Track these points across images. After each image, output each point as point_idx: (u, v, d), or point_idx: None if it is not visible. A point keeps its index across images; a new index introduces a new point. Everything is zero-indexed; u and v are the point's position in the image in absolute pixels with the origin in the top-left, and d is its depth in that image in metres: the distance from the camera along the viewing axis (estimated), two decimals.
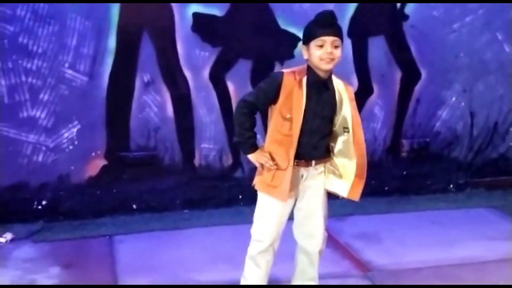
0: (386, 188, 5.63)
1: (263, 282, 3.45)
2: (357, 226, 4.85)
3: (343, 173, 3.31)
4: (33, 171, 5.08)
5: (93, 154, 5.20)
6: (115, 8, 4.99)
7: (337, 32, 3.15)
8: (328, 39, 3.11)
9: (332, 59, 3.12)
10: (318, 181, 3.33)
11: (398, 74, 5.66)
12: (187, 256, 4.32)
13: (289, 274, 3.58)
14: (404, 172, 5.74)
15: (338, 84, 3.27)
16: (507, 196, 5.61)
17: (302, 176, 3.29)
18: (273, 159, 3.21)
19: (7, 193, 5.03)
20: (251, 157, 3.26)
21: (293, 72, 3.21)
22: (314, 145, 3.24)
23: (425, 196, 5.62)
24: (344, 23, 5.40)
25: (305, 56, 3.22)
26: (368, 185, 5.38)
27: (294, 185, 3.26)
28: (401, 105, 5.72)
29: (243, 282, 3.46)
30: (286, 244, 3.44)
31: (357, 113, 3.26)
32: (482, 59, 5.78)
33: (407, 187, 5.68)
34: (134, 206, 5.22)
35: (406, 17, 5.55)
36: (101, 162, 5.23)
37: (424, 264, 4.15)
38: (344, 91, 3.25)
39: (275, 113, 3.22)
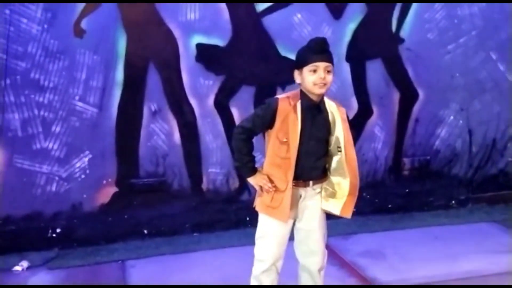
0: (389, 206, 5.61)
1: None
2: (362, 244, 4.83)
3: (338, 192, 3.28)
4: (47, 201, 5.07)
5: (104, 182, 5.19)
6: (122, 42, 5.01)
7: (329, 58, 3.17)
8: (321, 65, 3.12)
9: (325, 84, 3.14)
10: (316, 201, 3.31)
11: (396, 95, 5.66)
12: (197, 279, 4.29)
13: None
14: (407, 190, 5.72)
15: (331, 106, 3.27)
16: (508, 211, 5.58)
17: (301, 196, 3.28)
18: (271, 181, 3.21)
19: (23, 222, 5.02)
20: (251, 180, 3.28)
21: (288, 98, 3.21)
22: (311, 166, 3.24)
23: (427, 213, 5.59)
24: (342, 48, 5.44)
25: (298, 81, 3.23)
26: (371, 204, 5.53)
27: (293, 205, 3.25)
28: (400, 125, 5.71)
29: None
30: (290, 263, 3.42)
31: (349, 133, 3.26)
32: (477, 79, 5.78)
33: (410, 204, 5.65)
34: (145, 231, 5.19)
35: (401, 41, 5.56)
36: (112, 190, 5.21)
37: (429, 280, 4.13)
38: (336, 112, 3.25)
39: (272, 138, 3.22)
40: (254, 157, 3.28)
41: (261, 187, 3.26)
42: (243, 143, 3.25)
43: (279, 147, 3.20)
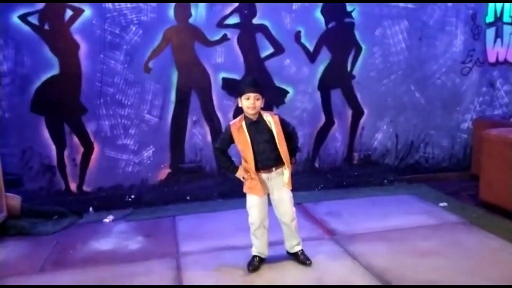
0: (344, 183, 5.55)
1: (265, 247, 3.43)
2: (326, 207, 4.78)
3: (284, 173, 3.29)
4: (125, 177, 5.11)
5: (162, 166, 5.21)
6: (175, 76, 5.02)
7: (258, 90, 3.13)
8: (252, 95, 3.10)
9: (255, 107, 3.12)
10: (278, 179, 3.29)
11: (349, 112, 5.60)
12: (221, 228, 4.30)
13: (281, 238, 3.54)
14: (355, 173, 5.66)
15: (267, 116, 3.23)
16: (420, 187, 5.50)
17: (267, 178, 3.27)
18: (247, 172, 3.23)
19: (110, 191, 5.07)
20: (236, 175, 3.31)
21: (235, 123, 3.23)
22: (266, 159, 3.22)
23: (369, 188, 5.51)
24: (315, 81, 5.39)
25: (240, 105, 3.20)
26: (332, 182, 5.54)
27: (264, 185, 3.27)
28: (352, 131, 5.64)
29: (253, 248, 3.45)
30: (277, 221, 3.44)
31: (281, 132, 3.22)
32: (401, 102, 5.71)
33: (357, 182, 5.58)
34: (188, 198, 5.17)
35: (353, 77, 5.50)
36: (167, 171, 5.22)
37: (369, 230, 4.10)
38: (271, 120, 3.22)
39: (238, 147, 3.26)
40: (232, 161, 3.32)
41: (243, 178, 3.30)
42: (221, 157, 3.33)
43: (242, 151, 3.24)
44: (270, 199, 3.36)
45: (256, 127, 3.20)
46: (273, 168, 3.26)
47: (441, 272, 3.28)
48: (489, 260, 3.45)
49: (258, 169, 3.22)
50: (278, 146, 3.20)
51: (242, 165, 3.30)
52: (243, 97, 3.14)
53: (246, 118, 3.21)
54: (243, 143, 3.19)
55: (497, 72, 5.88)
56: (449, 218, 4.40)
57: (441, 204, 4.79)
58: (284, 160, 3.24)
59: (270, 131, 3.20)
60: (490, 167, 4.51)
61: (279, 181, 3.30)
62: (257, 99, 3.13)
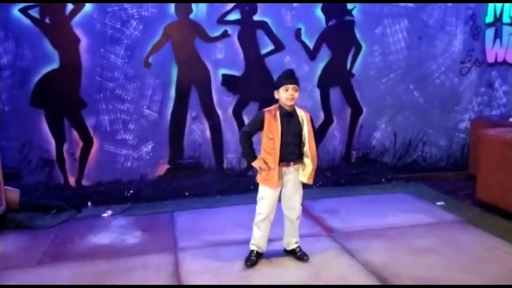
0: (342, 181, 5.56)
1: (265, 241, 3.45)
2: (324, 205, 4.80)
3: (306, 168, 3.31)
4: (124, 172, 5.12)
5: (161, 161, 5.22)
6: (174, 71, 5.03)
7: (296, 82, 3.22)
8: (291, 86, 3.17)
9: (293, 99, 3.20)
10: (295, 175, 3.33)
11: (349, 110, 5.62)
12: (219, 224, 4.31)
13: (280, 235, 3.58)
14: (354, 171, 5.68)
15: (300, 112, 3.31)
16: (418, 186, 5.51)
17: (285, 172, 3.31)
18: (266, 163, 3.26)
19: (109, 185, 5.08)
20: (253, 163, 3.33)
21: (270, 110, 3.27)
22: (290, 152, 3.27)
23: (366, 186, 5.52)
24: (315, 79, 5.42)
25: (276, 97, 3.26)
26: (331, 179, 5.55)
27: (280, 178, 3.29)
28: (351, 130, 5.66)
29: (252, 241, 3.47)
30: (277, 218, 3.47)
31: (311, 129, 3.30)
32: (400, 101, 5.73)
33: (355, 180, 5.60)
34: (186, 193, 5.17)
35: (353, 75, 5.52)
36: (166, 166, 5.23)
37: (366, 228, 4.13)
38: (304, 116, 3.30)
39: (264, 136, 3.29)
40: (254, 149, 3.33)
41: (260, 168, 3.31)
42: (246, 141, 3.32)
43: (268, 141, 3.26)
44: (282, 193, 3.39)
45: (289, 119, 3.26)
46: (292, 163, 3.30)
47: (437, 269, 3.31)
48: (485, 258, 3.48)
49: (280, 160, 3.25)
50: (307, 142, 3.26)
51: (261, 156, 3.33)
52: (281, 88, 3.21)
53: (281, 108, 3.27)
54: (274, 131, 3.22)
55: (495, 72, 5.91)
56: (445, 216, 4.43)
57: (438, 203, 4.81)
58: (311, 156, 3.28)
59: (300, 126, 3.27)
60: (487, 167, 4.53)
61: (295, 176, 3.34)
62: (296, 90, 3.21)
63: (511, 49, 5.88)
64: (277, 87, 3.25)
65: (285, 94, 3.19)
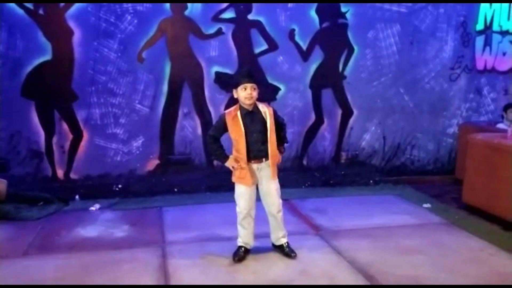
0: (331, 182, 5.58)
1: (251, 237, 3.45)
2: (313, 204, 4.81)
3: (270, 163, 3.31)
4: (113, 166, 5.09)
5: (151, 156, 5.20)
6: (168, 67, 5.03)
7: (254, 81, 3.17)
8: (249, 85, 3.14)
9: (252, 97, 3.16)
10: (268, 171, 3.32)
11: (339, 112, 5.65)
12: (208, 220, 4.30)
13: (267, 231, 3.57)
14: (342, 172, 5.70)
15: (262, 107, 3.27)
16: (405, 188, 5.57)
17: (258, 169, 3.29)
18: (238, 162, 3.25)
19: (97, 179, 5.05)
20: (226, 164, 3.32)
21: (230, 111, 3.25)
22: (259, 149, 3.25)
23: (355, 187, 5.55)
24: (307, 80, 5.44)
25: (235, 96, 3.22)
26: (320, 180, 5.57)
27: (253, 175, 3.29)
28: (341, 131, 5.70)
29: (238, 239, 3.46)
30: (264, 215, 3.47)
31: (273, 124, 3.26)
32: (390, 104, 5.78)
33: (344, 181, 5.63)
34: (176, 189, 5.15)
35: (344, 77, 5.56)
36: (156, 162, 5.22)
37: (353, 227, 4.15)
38: (267, 111, 3.26)
39: (231, 136, 3.28)
40: (224, 149, 3.32)
41: (233, 167, 3.31)
42: (213, 144, 3.32)
43: (234, 142, 3.26)
44: (259, 189, 3.38)
45: (251, 117, 3.23)
46: (264, 159, 3.29)
47: (423, 268, 3.33)
48: (469, 259, 3.52)
49: (249, 159, 3.24)
50: (269, 137, 3.24)
51: (232, 155, 3.32)
52: (240, 87, 3.16)
53: (241, 108, 3.23)
54: (236, 132, 3.21)
55: (484, 79, 6.00)
56: (432, 218, 4.48)
57: (424, 205, 4.86)
58: (270, 151, 3.26)
59: (264, 122, 3.24)
60: (473, 171, 4.59)
61: (268, 172, 3.33)
62: (254, 89, 3.16)
63: (500, 57, 5.97)
64: (235, 86, 3.19)
65: (243, 93, 3.14)
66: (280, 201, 3.45)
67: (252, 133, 3.22)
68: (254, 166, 3.29)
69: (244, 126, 3.20)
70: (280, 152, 3.39)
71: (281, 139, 3.38)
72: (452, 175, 5.82)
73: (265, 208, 3.45)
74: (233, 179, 3.36)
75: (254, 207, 3.40)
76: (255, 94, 3.17)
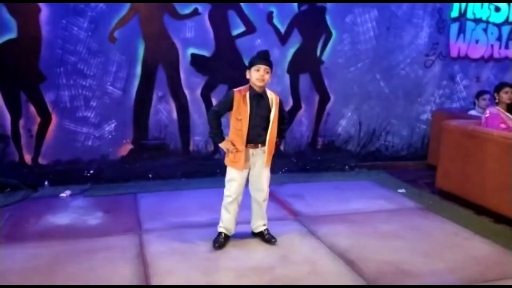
0: (307, 167, 5.60)
1: (233, 223, 3.42)
2: (291, 190, 4.82)
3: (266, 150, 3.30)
4: (84, 151, 4.92)
5: (124, 141, 5.05)
6: (141, 48, 4.86)
7: (269, 64, 3.16)
8: (262, 67, 3.12)
9: (263, 80, 3.14)
10: (262, 157, 3.30)
11: (317, 97, 5.64)
12: (184, 206, 4.23)
13: (248, 218, 3.55)
14: (319, 158, 5.72)
15: (270, 94, 3.27)
16: (380, 174, 5.66)
17: (252, 154, 3.27)
18: (234, 145, 3.21)
19: (68, 165, 4.87)
20: (221, 145, 3.28)
21: (240, 90, 3.21)
22: (258, 134, 3.24)
23: (331, 173, 5.61)
24: (285, 64, 5.39)
25: (248, 77, 3.21)
26: (297, 165, 5.58)
27: (247, 160, 3.26)
28: (318, 116, 5.70)
29: (220, 224, 3.42)
30: (245, 202, 3.44)
31: (277, 113, 3.26)
32: (367, 90, 5.81)
33: (320, 166, 5.66)
34: (150, 175, 5.06)
35: (322, 62, 5.54)
36: (129, 147, 5.08)
37: (331, 213, 4.18)
38: (274, 99, 3.26)
39: (232, 116, 3.23)
40: (222, 130, 3.27)
41: (227, 150, 3.27)
42: (214, 121, 3.25)
43: (236, 122, 3.20)
44: (249, 175, 3.35)
45: (259, 100, 3.20)
46: (260, 145, 3.26)
47: (401, 253, 3.39)
48: (444, 243, 3.61)
49: (247, 142, 3.20)
50: (271, 124, 3.22)
51: (229, 137, 3.27)
52: (253, 68, 3.14)
53: (251, 89, 3.20)
54: (242, 113, 3.16)
55: (457, 66, 6.12)
56: (407, 203, 4.56)
57: (399, 190, 4.95)
58: (269, 137, 3.24)
59: (269, 109, 3.23)
60: (447, 157, 4.70)
61: (262, 158, 3.30)
62: (267, 72, 3.15)
63: (473, 44, 6.08)
64: (249, 66, 3.20)
65: (255, 74, 3.14)
66: (268, 190, 3.43)
67: (256, 116, 3.20)
68: (250, 151, 3.26)
69: (250, 108, 3.17)
70: (276, 144, 3.37)
71: (280, 132, 3.37)
72: (425, 160, 5.95)
73: (252, 194, 3.43)
74: (226, 161, 3.32)
75: (242, 194, 3.37)
76: (267, 77, 3.16)
